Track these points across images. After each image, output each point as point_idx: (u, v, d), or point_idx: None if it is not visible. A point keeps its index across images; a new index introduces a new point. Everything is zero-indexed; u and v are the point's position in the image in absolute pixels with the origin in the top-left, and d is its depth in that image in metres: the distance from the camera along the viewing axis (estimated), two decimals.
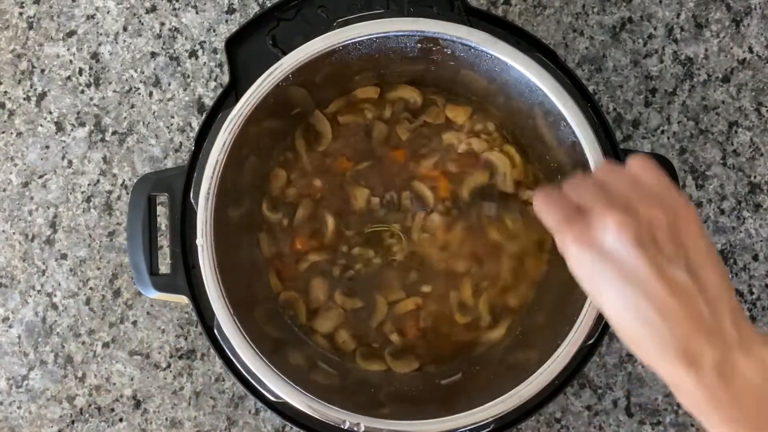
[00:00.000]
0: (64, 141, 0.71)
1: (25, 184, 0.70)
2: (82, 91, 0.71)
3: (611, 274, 0.41)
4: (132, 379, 0.69)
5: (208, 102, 0.70)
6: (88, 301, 0.69)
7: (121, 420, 0.69)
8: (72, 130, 0.71)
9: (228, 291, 0.54)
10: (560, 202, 0.45)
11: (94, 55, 0.71)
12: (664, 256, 0.41)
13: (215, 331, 0.54)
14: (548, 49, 0.57)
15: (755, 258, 0.69)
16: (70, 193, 0.70)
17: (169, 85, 0.71)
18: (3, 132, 0.71)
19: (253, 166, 0.62)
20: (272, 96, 0.55)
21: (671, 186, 0.44)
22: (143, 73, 0.71)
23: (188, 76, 0.71)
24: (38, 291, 0.70)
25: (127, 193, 0.70)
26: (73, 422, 0.69)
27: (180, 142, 0.70)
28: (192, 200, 0.55)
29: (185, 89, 0.71)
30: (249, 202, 0.64)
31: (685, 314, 0.40)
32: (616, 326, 0.42)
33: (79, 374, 0.69)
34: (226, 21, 0.71)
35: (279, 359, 0.55)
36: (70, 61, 0.71)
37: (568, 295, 0.57)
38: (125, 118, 0.71)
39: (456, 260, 0.64)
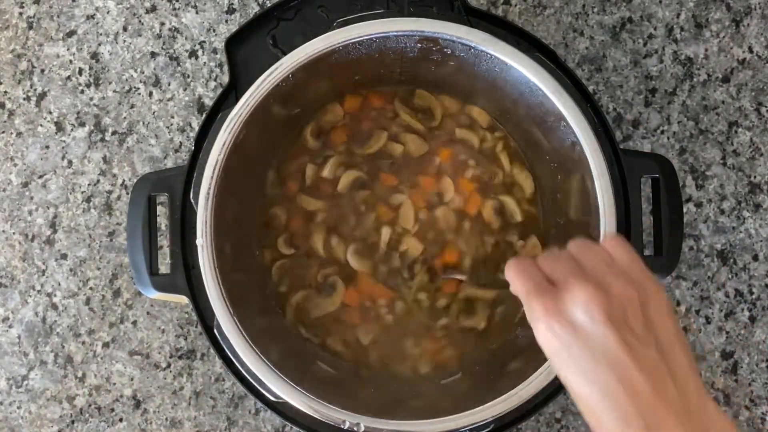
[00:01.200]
0: (64, 141, 0.71)
1: (25, 184, 0.70)
2: (82, 91, 0.71)
3: (579, 347, 0.41)
4: (132, 379, 0.69)
5: (208, 102, 0.70)
6: (88, 301, 0.69)
7: (121, 420, 0.69)
8: (72, 130, 0.71)
9: (228, 291, 0.54)
10: (532, 272, 0.45)
11: (94, 55, 0.71)
12: (635, 335, 0.41)
13: (215, 331, 0.54)
14: (548, 49, 0.57)
15: (755, 258, 0.69)
16: (70, 193, 0.70)
17: (169, 85, 0.71)
18: (3, 132, 0.71)
19: (254, 165, 0.62)
20: (272, 96, 0.55)
21: (643, 266, 0.44)
22: (143, 73, 0.71)
23: (188, 76, 0.71)
24: (38, 291, 0.70)
25: (127, 193, 0.70)
26: (73, 422, 0.69)
27: (180, 142, 0.70)
28: (192, 200, 0.55)
29: (185, 89, 0.71)
30: (249, 202, 0.64)
31: (654, 394, 0.40)
32: (577, 397, 0.42)
33: (79, 374, 0.69)
34: (226, 21, 0.71)
35: (279, 359, 0.55)
36: (70, 61, 0.71)
37: None
38: (125, 118, 0.71)
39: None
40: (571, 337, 0.41)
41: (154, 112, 0.71)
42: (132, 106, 0.71)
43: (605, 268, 0.43)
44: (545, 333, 0.42)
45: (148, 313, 0.69)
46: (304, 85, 0.58)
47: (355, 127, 0.66)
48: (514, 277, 0.45)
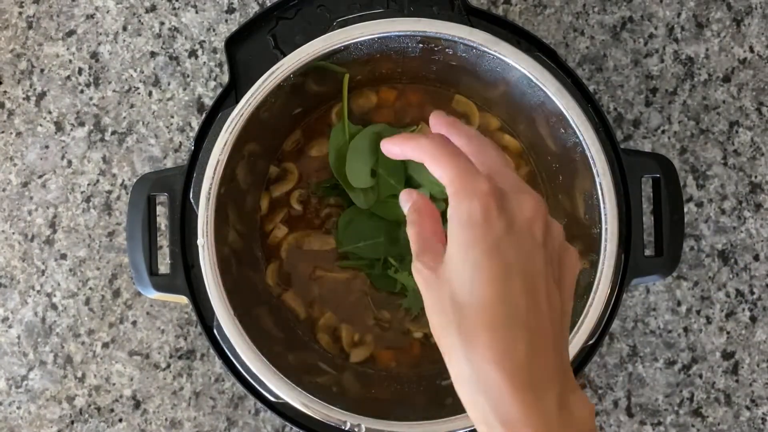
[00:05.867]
0: (64, 141, 0.70)
1: (25, 184, 0.70)
2: (82, 91, 0.71)
3: (509, 243, 0.37)
4: (132, 380, 0.69)
5: (208, 102, 0.70)
6: (87, 301, 0.69)
7: (120, 420, 0.69)
8: (71, 129, 0.70)
9: (228, 291, 0.54)
10: (459, 156, 0.40)
11: (94, 55, 0.71)
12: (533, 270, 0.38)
13: (215, 331, 0.54)
14: (549, 48, 0.57)
15: (756, 258, 0.69)
16: (70, 193, 0.70)
17: (169, 84, 0.71)
18: (2, 132, 0.71)
19: (254, 164, 0.62)
20: (273, 95, 0.55)
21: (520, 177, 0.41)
22: (143, 72, 0.71)
23: (188, 76, 0.71)
24: (38, 291, 0.69)
25: (127, 193, 0.69)
26: (72, 422, 0.69)
27: (180, 142, 0.70)
28: (192, 200, 0.55)
29: (185, 89, 0.71)
30: (249, 201, 0.64)
31: (540, 330, 0.37)
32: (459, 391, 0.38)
33: (79, 374, 0.69)
34: (226, 20, 0.71)
35: (279, 359, 0.55)
36: (70, 61, 0.71)
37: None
38: (125, 117, 0.70)
39: None
40: (504, 231, 0.37)
41: (153, 112, 0.70)
42: (132, 106, 0.71)
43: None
44: (474, 211, 0.37)
45: (147, 313, 0.69)
46: (307, 84, 0.58)
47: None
48: (439, 157, 0.39)
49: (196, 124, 0.70)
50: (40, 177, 0.70)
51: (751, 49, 0.71)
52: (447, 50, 0.57)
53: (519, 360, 0.36)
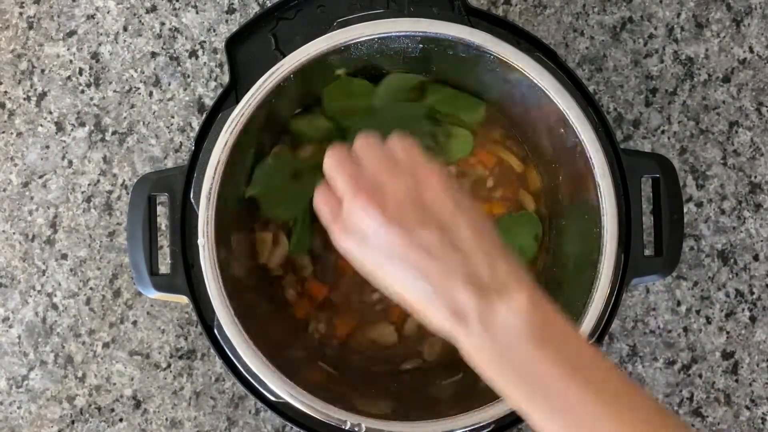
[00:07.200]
0: (64, 141, 0.71)
1: (25, 184, 0.70)
2: (82, 91, 0.71)
3: (374, 255, 0.42)
4: (132, 379, 0.69)
5: (208, 102, 0.70)
6: (88, 301, 0.69)
7: (121, 420, 0.69)
8: (72, 130, 0.71)
9: (228, 291, 0.54)
10: (327, 198, 0.46)
11: (94, 55, 0.71)
12: (411, 222, 0.42)
13: (215, 331, 0.54)
14: (548, 49, 0.57)
15: (756, 258, 0.69)
16: (70, 193, 0.70)
17: (169, 85, 0.71)
18: (3, 132, 0.71)
19: (254, 164, 0.62)
20: (273, 96, 0.55)
21: (418, 155, 0.45)
22: (143, 73, 0.71)
23: (188, 76, 0.71)
24: (38, 291, 0.70)
25: (127, 193, 0.70)
26: (73, 422, 0.69)
27: (180, 142, 0.70)
28: (192, 200, 0.55)
29: (185, 89, 0.71)
30: (249, 201, 0.64)
31: (440, 269, 0.41)
32: (403, 303, 0.43)
33: (79, 374, 0.69)
34: (226, 21, 0.71)
35: (279, 359, 0.55)
36: (70, 61, 0.71)
37: (568, 294, 0.57)
38: (125, 118, 0.71)
39: None
40: (366, 248, 0.43)
41: (154, 112, 0.71)
42: (132, 106, 0.71)
43: (383, 168, 0.44)
44: (347, 253, 0.44)
45: (148, 313, 0.69)
46: (307, 83, 0.58)
47: None
48: (318, 209, 0.46)
49: (196, 124, 0.70)
50: (40, 177, 0.70)
51: (751, 50, 0.71)
52: (447, 51, 0.57)
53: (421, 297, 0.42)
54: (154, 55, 0.71)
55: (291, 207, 0.62)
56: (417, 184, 0.43)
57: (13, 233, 0.70)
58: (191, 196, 0.55)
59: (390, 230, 0.41)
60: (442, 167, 0.44)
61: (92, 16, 0.71)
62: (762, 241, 0.69)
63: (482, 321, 0.40)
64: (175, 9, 0.71)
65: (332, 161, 0.46)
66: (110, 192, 0.70)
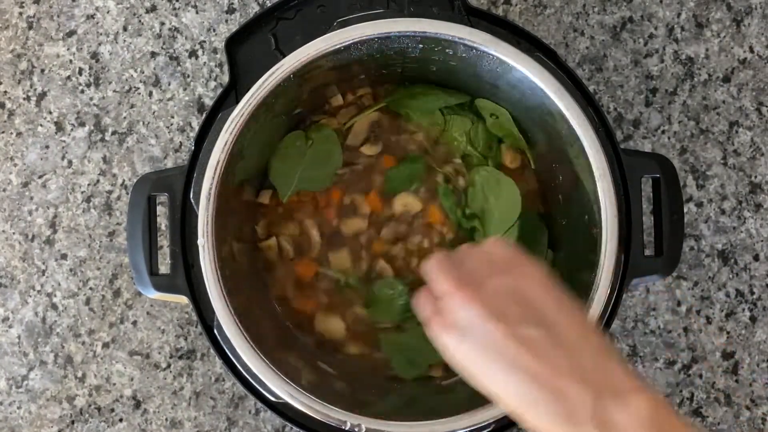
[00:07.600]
0: (64, 141, 0.71)
1: (25, 184, 0.70)
2: (82, 91, 0.71)
3: (474, 350, 0.42)
4: (132, 380, 0.69)
5: (208, 102, 0.70)
6: (88, 301, 0.69)
7: (121, 420, 0.69)
8: (72, 130, 0.71)
9: (228, 291, 0.54)
10: (425, 297, 0.47)
11: (94, 55, 0.71)
12: (513, 317, 0.41)
13: (215, 331, 0.54)
14: (549, 48, 0.57)
15: (756, 258, 0.69)
16: (70, 193, 0.70)
17: (169, 84, 0.71)
18: (3, 132, 0.71)
19: (254, 164, 0.62)
20: (273, 96, 0.55)
21: (520, 254, 0.45)
22: (143, 72, 0.71)
23: (188, 76, 0.71)
24: (38, 291, 0.70)
25: (127, 193, 0.70)
26: (73, 422, 0.69)
27: (180, 142, 0.70)
28: (192, 200, 0.55)
29: (185, 89, 0.71)
30: (250, 200, 0.64)
31: (545, 367, 0.40)
32: (496, 399, 0.42)
33: (79, 374, 0.69)
34: (226, 21, 0.71)
35: (279, 359, 0.55)
36: (70, 61, 0.71)
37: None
38: (125, 118, 0.71)
39: None
40: (466, 344, 0.42)
41: (154, 112, 0.71)
42: (132, 106, 0.71)
43: (483, 268, 0.44)
44: (446, 348, 0.43)
45: (148, 313, 0.69)
46: (307, 84, 0.58)
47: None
48: (417, 308, 0.47)
49: (196, 124, 0.70)
50: (40, 177, 0.70)
51: (751, 50, 0.71)
52: (447, 50, 0.57)
53: (526, 399, 0.41)
54: (153, 55, 0.71)
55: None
56: (517, 282, 0.43)
57: (13, 233, 0.70)
58: (191, 196, 0.55)
59: (490, 325, 0.41)
60: (542, 266, 0.45)
61: (92, 16, 0.71)
62: (762, 241, 0.69)
63: (597, 421, 0.39)
64: (174, 9, 0.71)
65: (433, 262, 0.46)
66: (110, 192, 0.70)
